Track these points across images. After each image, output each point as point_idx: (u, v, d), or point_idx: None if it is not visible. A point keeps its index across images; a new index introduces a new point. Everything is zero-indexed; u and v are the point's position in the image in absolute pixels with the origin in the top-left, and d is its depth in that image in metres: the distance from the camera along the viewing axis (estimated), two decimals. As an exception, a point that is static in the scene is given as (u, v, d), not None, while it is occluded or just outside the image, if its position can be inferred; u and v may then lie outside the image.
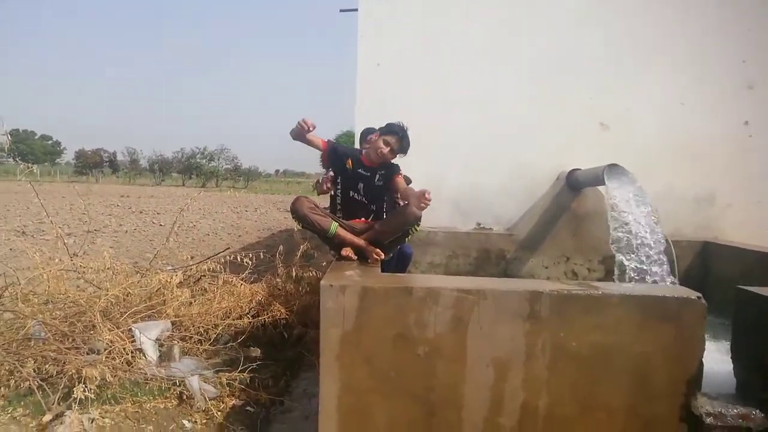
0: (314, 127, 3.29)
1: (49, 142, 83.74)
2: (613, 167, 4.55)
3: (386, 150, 3.36)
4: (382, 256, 3.24)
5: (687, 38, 5.61)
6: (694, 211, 5.55)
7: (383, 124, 3.48)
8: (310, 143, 3.42)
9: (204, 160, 58.89)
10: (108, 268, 4.38)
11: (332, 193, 3.64)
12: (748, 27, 5.59)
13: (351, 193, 3.48)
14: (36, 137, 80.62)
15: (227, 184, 54.01)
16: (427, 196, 3.00)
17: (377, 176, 3.46)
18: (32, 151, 74.67)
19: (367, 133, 4.39)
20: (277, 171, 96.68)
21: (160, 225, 12.95)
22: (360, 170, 3.47)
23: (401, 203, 4.29)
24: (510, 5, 5.66)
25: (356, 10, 5.91)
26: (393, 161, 3.50)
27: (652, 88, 5.60)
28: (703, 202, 5.57)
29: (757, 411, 2.37)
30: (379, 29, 5.70)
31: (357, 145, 4.53)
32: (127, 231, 11.71)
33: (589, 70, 5.60)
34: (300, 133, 3.32)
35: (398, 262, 4.17)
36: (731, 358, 2.64)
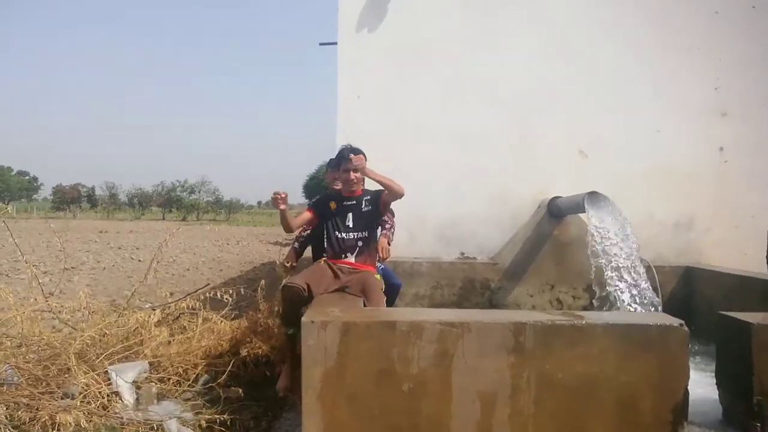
0: (285, 197, 3.33)
1: (26, 177, 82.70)
2: (593, 194, 4.59)
3: (351, 175, 3.46)
4: None
5: (661, 66, 5.75)
6: (674, 237, 5.62)
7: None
8: (291, 223, 3.50)
9: (185, 193, 58.45)
10: (84, 308, 4.27)
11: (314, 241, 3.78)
12: (720, 54, 5.76)
13: (337, 234, 3.50)
14: (12, 173, 79.49)
15: (208, 217, 53.57)
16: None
17: (363, 202, 3.53)
18: (8, 187, 73.54)
19: (335, 162, 4.35)
20: (259, 203, 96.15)
21: (139, 260, 12.74)
22: (345, 203, 3.53)
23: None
24: (484, 38, 5.76)
25: (335, 43, 5.97)
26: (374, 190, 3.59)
27: (628, 116, 5.71)
28: (682, 227, 5.64)
29: (744, 439, 2.35)
30: (358, 62, 5.76)
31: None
32: (105, 267, 11.50)
33: (566, 99, 5.70)
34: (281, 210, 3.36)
35: (387, 294, 4.11)
36: (716, 384, 2.64)
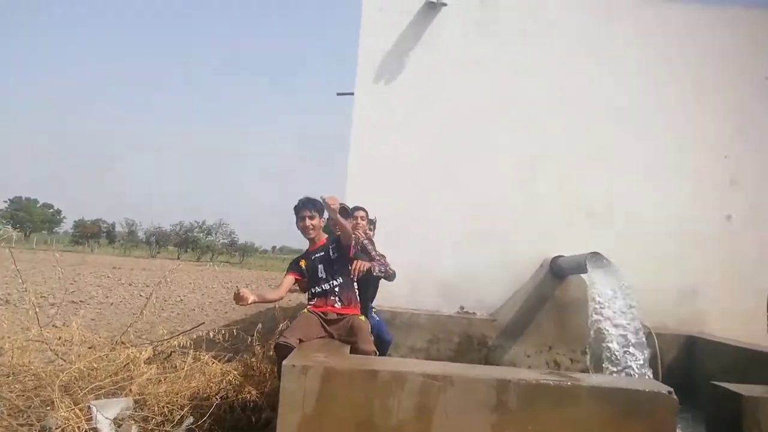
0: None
1: (50, 210, 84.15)
2: (595, 255, 4.56)
3: (307, 222, 3.59)
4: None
5: (671, 132, 5.80)
6: (677, 304, 5.51)
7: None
8: (274, 296, 3.77)
9: (201, 234, 58.94)
10: (82, 342, 4.27)
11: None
12: (731, 123, 5.79)
13: (314, 289, 3.59)
14: (38, 205, 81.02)
15: (222, 259, 53.75)
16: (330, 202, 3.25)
17: (330, 250, 3.60)
18: (31, 218, 74.77)
19: (353, 209, 4.42)
20: (273, 247, 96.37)
21: (147, 298, 12.75)
22: (314, 257, 3.62)
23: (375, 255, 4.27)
24: (493, 98, 5.88)
25: (352, 94, 6.10)
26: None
27: (636, 180, 5.73)
28: (687, 295, 5.54)
29: None
30: (372, 117, 5.87)
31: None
32: (112, 303, 11.52)
33: (574, 161, 5.74)
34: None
35: (377, 349, 4.06)
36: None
